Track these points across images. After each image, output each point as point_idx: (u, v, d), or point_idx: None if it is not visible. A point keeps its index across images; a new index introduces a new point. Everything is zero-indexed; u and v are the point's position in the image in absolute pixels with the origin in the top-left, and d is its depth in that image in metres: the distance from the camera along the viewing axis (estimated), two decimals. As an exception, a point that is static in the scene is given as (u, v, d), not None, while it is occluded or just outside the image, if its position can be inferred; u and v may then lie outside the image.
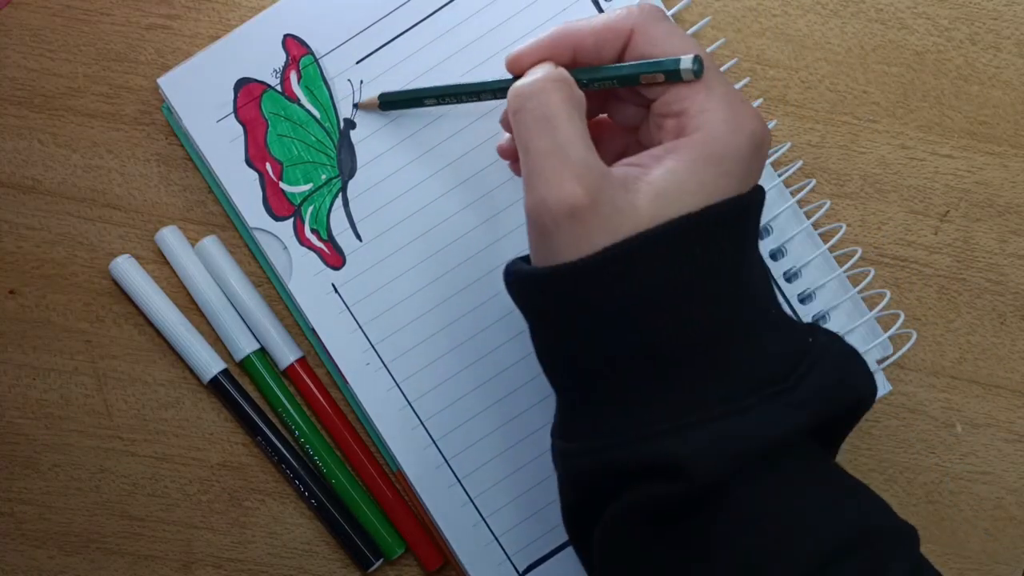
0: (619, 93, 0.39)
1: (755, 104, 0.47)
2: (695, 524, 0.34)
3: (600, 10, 0.46)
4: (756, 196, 0.36)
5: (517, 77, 0.38)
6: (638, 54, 0.37)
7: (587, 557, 0.39)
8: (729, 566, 0.34)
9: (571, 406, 0.37)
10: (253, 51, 0.46)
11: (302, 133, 0.46)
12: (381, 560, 0.47)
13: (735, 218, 0.35)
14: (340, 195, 0.46)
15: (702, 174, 0.34)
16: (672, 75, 0.35)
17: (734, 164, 0.34)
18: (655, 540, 0.35)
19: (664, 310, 0.34)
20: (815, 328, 0.37)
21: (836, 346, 0.37)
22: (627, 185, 0.34)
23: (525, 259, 0.37)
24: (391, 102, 0.45)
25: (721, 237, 0.34)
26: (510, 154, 0.43)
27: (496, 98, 0.41)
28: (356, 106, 0.46)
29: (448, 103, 0.43)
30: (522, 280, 0.36)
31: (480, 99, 0.42)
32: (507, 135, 0.42)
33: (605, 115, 0.41)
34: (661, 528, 0.34)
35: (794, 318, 0.37)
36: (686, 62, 0.35)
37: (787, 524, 0.34)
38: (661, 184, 0.34)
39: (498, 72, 0.46)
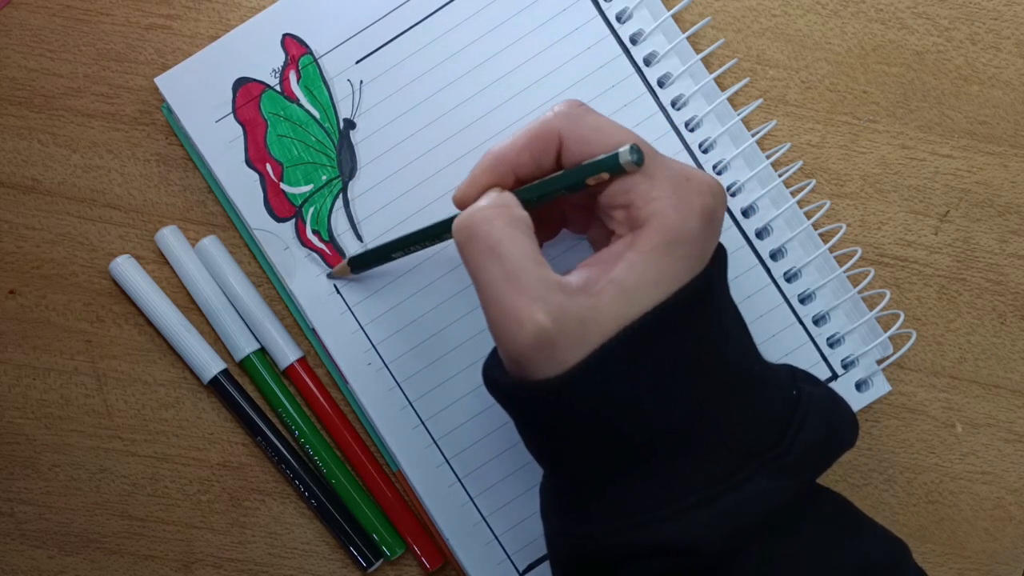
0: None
1: (755, 105, 0.47)
2: None
3: (600, 10, 0.46)
4: (716, 268, 0.36)
5: None
6: (574, 158, 0.36)
7: None
8: None
9: (563, 488, 0.37)
10: (252, 50, 0.46)
11: (302, 133, 0.46)
12: (381, 560, 0.47)
13: (699, 298, 0.35)
14: (341, 196, 0.46)
15: (659, 263, 0.34)
16: (615, 170, 0.35)
17: (689, 246, 0.34)
18: None
19: (644, 405, 0.34)
20: (795, 374, 0.37)
21: (820, 395, 0.37)
22: (588, 289, 0.34)
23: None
24: (361, 263, 0.44)
25: (688, 321, 0.34)
26: None
27: None
28: (330, 275, 0.45)
29: (414, 251, 0.42)
30: (498, 389, 0.37)
31: (443, 239, 0.41)
32: None
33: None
34: None
35: (775, 364, 0.38)
36: (624, 155, 0.34)
37: None
38: (622, 281, 0.33)
39: (497, 72, 0.46)
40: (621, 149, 0.35)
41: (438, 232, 0.41)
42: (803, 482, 0.35)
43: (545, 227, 0.42)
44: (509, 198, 0.36)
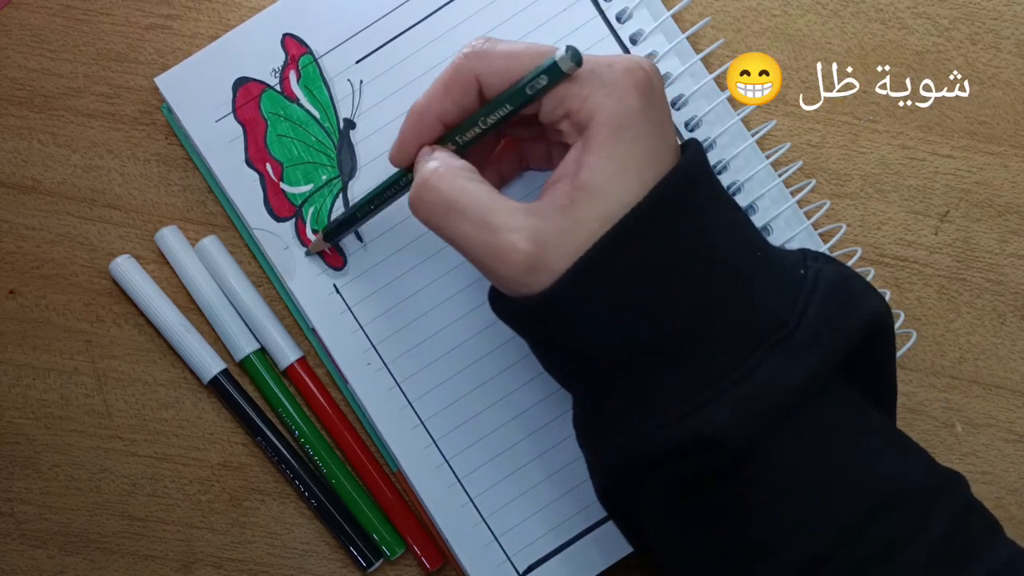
0: (515, 125, 0.39)
1: (754, 105, 0.47)
2: (732, 490, 0.34)
3: (600, 10, 0.46)
4: (693, 156, 0.35)
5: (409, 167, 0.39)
6: (496, 90, 0.36)
7: (628, 531, 0.40)
8: (765, 530, 0.34)
9: (588, 404, 0.37)
10: (252, 50, 0.46)
11: (302, 133, 0.46)
12: (381, 560, 0.47)
13: (677, 192, 0.34)
14: (341, 196, 0.46)
15: (615, 153, 0.34)
16: (554, 74, 0.35)
17: (638, 126, 0.34)
18: (695, 511, 0.35)
19: (642, 304, 0.34)
20: (806, 255, 0.37)
21: (830, 269, 0.36)
22: (559, 203, 0.34)
23: None
24: (335, 232, 0.44)
25: (671, 216, 0.34)
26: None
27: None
28: (307, 253, 0.45)
29: (380, 210, 0.43)
30: (502, 313, 0.37)
31: (399, 196, 0.41)
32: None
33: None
34: (700, 498, 0.35)
35: (788, 250, 0.37)
36: (561, 57, 0.34)
37: (820, 483, 0.34)
38: (588, 184, 0.34)
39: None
40: (559, 54, 0.34)
41: (396, 184, 0.41)
42: (824, 361, 0.34)
43: (505, 166, 0.42)
44: (441, 155, 0.37)
